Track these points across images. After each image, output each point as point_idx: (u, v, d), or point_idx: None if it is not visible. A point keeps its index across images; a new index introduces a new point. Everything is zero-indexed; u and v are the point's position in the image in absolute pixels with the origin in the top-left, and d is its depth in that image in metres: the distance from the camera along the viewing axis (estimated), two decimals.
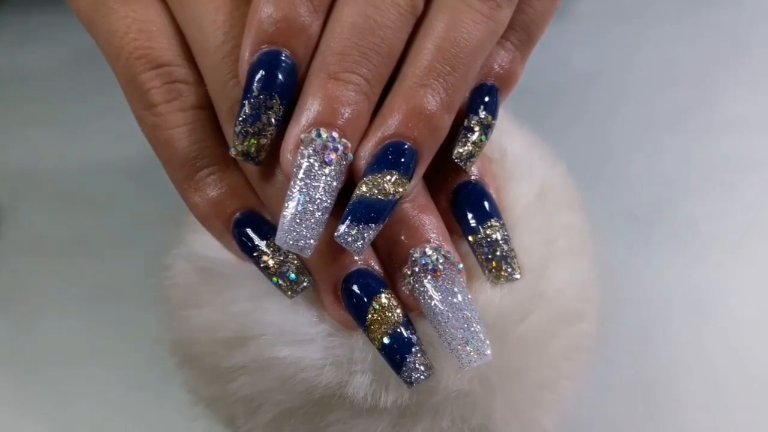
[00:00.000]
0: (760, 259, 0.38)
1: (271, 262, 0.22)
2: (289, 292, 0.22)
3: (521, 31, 0.24)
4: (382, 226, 0.20)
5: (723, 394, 0.32)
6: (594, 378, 0.26)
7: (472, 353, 0.20)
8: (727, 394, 0.32)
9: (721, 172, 0.42)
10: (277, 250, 0.22)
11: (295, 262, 0.22)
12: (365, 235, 0.20)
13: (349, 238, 0.20)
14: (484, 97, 0.23)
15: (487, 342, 0.20)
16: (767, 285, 0.36)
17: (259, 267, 0.22)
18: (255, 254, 0.22)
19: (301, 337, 0.22)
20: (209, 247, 0.24)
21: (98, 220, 0.40)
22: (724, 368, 0.33)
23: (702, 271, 0.37)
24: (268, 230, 0.22)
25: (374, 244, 0.22)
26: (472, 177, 0.24)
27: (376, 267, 0.22)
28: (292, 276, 0.22)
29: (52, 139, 0.44)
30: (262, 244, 0.22)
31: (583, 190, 0.27)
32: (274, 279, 0.22)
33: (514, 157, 0.25)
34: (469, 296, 0.21)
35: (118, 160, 0.43)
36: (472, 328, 0.20)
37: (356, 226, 0.20)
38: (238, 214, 0.23)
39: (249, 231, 0.22)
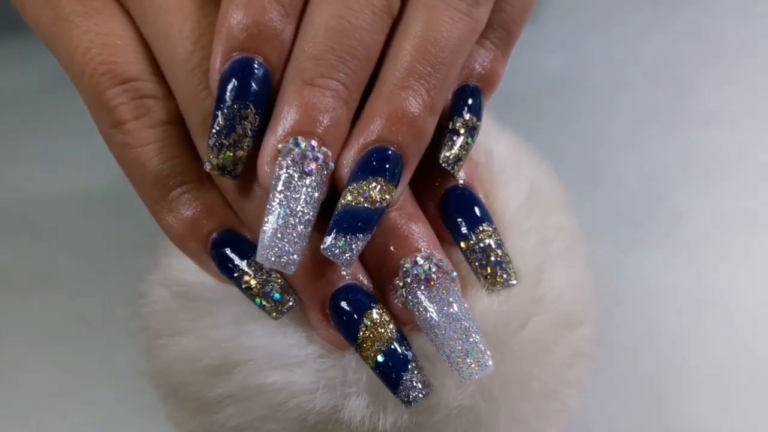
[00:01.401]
0: (747, 250, 0.38)
1: (253, 283, 0.21)
2: (274, 313, 0.21)
3: (500, 30, 0.23)
4: (370, 236, 0.19)
5: (721, 389, 0.32)
6: (595, 383, 0.25)
7: (473, 365, 0.19)
8: (725, 388, 0.32)
9: (704, 167, 0.42)
10: (259, 269, 0.21)
11: (279, 281, 0.21)
12: (353, 246, 0.19)
13: (336, 250, 0.19)
14: (467, 98, 0.23)
15: (488, 352, 0.19)
16: (757, 276, 0.36)
17: (240, 288, 0.21)
18: (236, 275, 0.21)
19: (290, 361, 0.20)
20: (187, 270, 0.22)
21: (65, 251, 0.39)
22: (720, 362, 0.33)
23: (692, 266, 0.37)
24: (248, 249, 0.21)
25: (361, 257, 0.21)
26: (460, 182, 0.23)
27: (365, 281, 0.21)
28: (277, 296, 0.21)
29: (14, 169, 0.43)
30: (242, 264, 0.21)
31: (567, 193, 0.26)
32: (258, 300, 0.21)
33: (500, 160, 0.24)
34: (466, 305, 0.20)
35: (84, 190, 0.42)
36: (471, 339, 0.19)
37: (343, 237, 0.19)
38: (215, 234, 0.22)
39: (228, 251, 0.21)
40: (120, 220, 0.39)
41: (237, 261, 0.21)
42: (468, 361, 0.19)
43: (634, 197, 0.41)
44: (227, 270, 0.21)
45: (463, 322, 0.19)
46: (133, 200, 0.36)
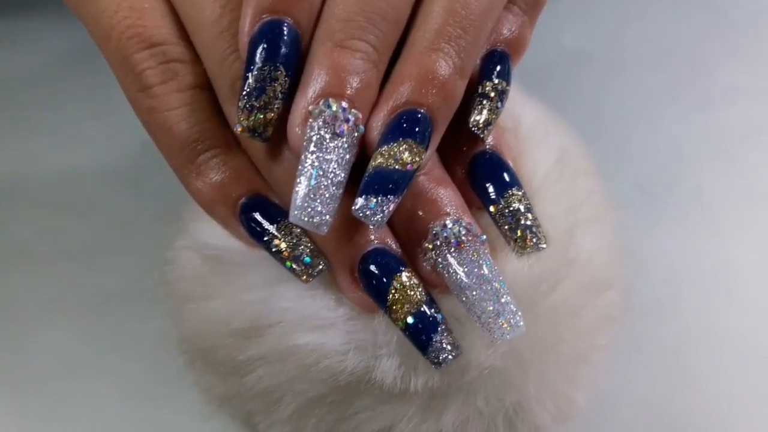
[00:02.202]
0: (766, 224, 0.37)
1: (283, 246, 0.21)
2: (305, 276, 0.21)
3: None
4: (400, 197, 0.19)
5: (741, 360, 0.32)
6: (620, 350, 0.25)
7: (504, 326, 0.19)
8: (745, 359, 0.32)
9: (721, 141, 0.42)
10: (288, 233, 0.21)
11: (309, 244, 0.21)
12: (384, 207, 0.19)
13: (368, 212, 0.19)
14: (496, 62, 0.22)
15: (519, 313, 0.19)
16: None
17: (270, 252, 0.21)
18: (265, 239, 0.21)
19: (320, 323, 0.20)
20: (216, 235, 0.22)
21: (87, 224, 0.39)
22: (739, 333, 0.33)
23: (712, 240, 0.37)
24: (277, 213, 0.21)
25: (389, 222, 0.21)
26: (488, 147, 0.23)
27: (393, 245, 0.21)
28: (307, 259, 0.21)
29: (36, 144, 0.43)
30: (272, 228, 0.21)
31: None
32: (288, 263, 0.21)
33: (528, 126, 0.24)
34: (496, 267, 0.20)
35: (103, 163, 0.42)
36: (503, 300, 0.19)
37: (374, 198, 0.19)
38: (244, 199, 0.22)
39: (257, 215, 0.21)
40: (140, 194, 0.39)
41: (266, 225, 0.21)
42: (500, 321, 0.19)
43: (654, 172, 0.40)
44: (257, 234, 0.21)
45: (494, 284, 0.19)
46: (153, 174, 0.36)
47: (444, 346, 0.20)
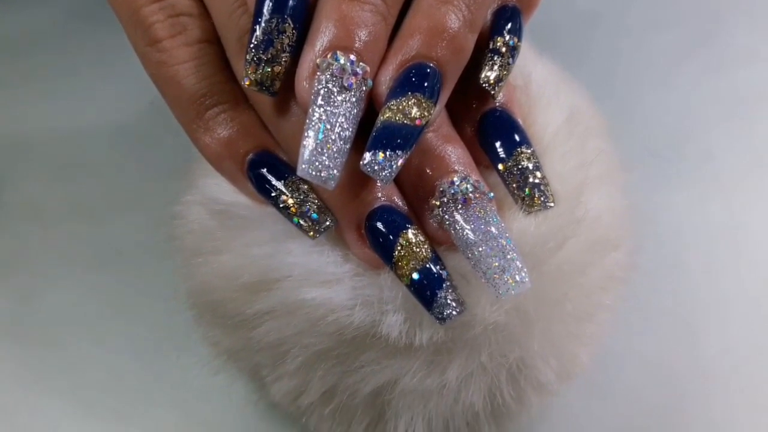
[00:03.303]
0: None
1: (290, 202, 0.21)
2: (312, 233, 0.21)
3: None
4: (409, 152, 0.19)
5: (747, 323, 0.32)
6: (624, 311, 0.25)
7: (509, 281, 0.19)
8: (751, 322, 0.32)
9: (734, 105, 0.41)
10: (296, 189, 0.21)
11: (316, 201, 0.21)
12: (392, 162, 0.19)
13: (376, 167, 0.19)
14: (507, 18, 0.22)
15: (525, 269, 0.19)
16: None
17: (278, 208, 0.21)
18: (273, 195, 0.21)
19: (328, 278, 0.21)
20: (224, 190, 0.22)
21: (96, 182, 0.39)
22: (746, 295, 0.33)
23: (722, 202, 0.36)
24: (284, 169, 0.21)
25: (396, 179, 0.21)
26: (498, 104, 0.22)
27: (400, 203, 0.21)
28: (314, 215, 0.21)
29: (44, 104, 0.43)
30: (279, 184, 0.21)
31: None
32: (295, 219, 0.21)
33: (538, 84, 0.24)
34: (503, 225, 0.20)
35: (112, 121, 0.42)
36: (509, 256, 0.19)
37: (383, 152, 0.19)
38: (251, 155, 0.22)
39: (265, 171, 0.21)
40: (148, 151, 0.39)
41: (274, 181, 0.21)
42: (505, 277, 0.19)
43: (665, 134, 0.40)
44: (264, 190, 0.21)
45: (500, 240, 0.19)
46: (160, 131, 0.36)
47: (448, 302, 0.20)
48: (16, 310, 0.34)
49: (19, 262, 0.36)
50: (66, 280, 0.35)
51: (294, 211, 0.21)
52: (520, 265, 0.19)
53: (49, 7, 0.48)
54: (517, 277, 0.19)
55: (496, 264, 0.19)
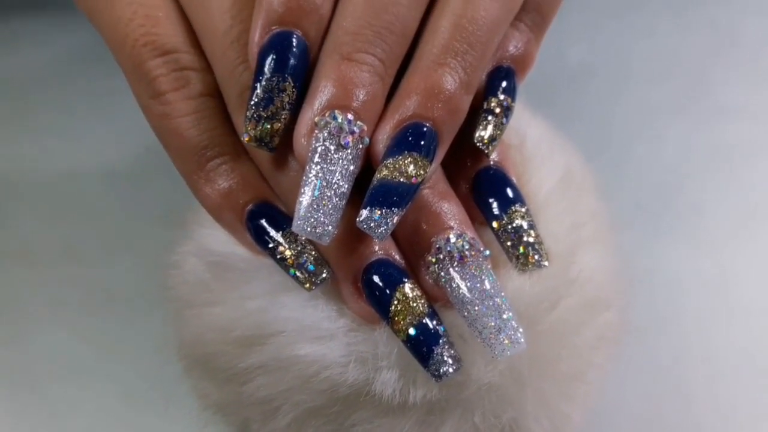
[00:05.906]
0: (766, 241, 0.37)
1: (288, 253, 0.21)
2: (308, 284, 0.21)
3: (534, 13, 0.24)
4: (404, 210, 0.19)
5: (740, 378, 0.32)
6: (617, 368, 0.25)
7: (505, 341, 0.19)
8: (744, 377, 0.32)
9: (723, 159, 0.42)
10: (293, 240, 0.21)
11: (313, 252, 0.21)
12: (388, 219, 0.19)
13: (372, 224, 0.19)
14: (501, 79, 0.23)
15: (521, 330, 0.19)
16: None
17: (275, 259, 0.21)
18: (270, 246, 0.21)
19: (321, 334, 0.21)
20: (220, 241, 0.23)
21: (88, 226, 0.39)
22: (738, 352, 0.33)
23: (711, 256, 0.37)
24: (282, 221, 0.21)
25: (393, 235, 0.21)
26: (492, 162, 0.23)
27: (397, 257, 0.21)
28: (311, 267, 0.21)
29: (40, 145, 0.43)
30: (277, 235, 0.21)
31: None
32: (292, 270, 0.21)
33: (533, 143, 0.24)
34: (498, 283, 0.20)
35: (107, 165, 0.42)
36: (504, 316, 0.19)
37: (379, 210, 0.19)
38: (251, 206, 0.22)
39: (263, 222, 0.21)
40: (142, 197, 0.39)
41: (272, 232, 0.21)
42: (501, 337, 0.19)
43: (654, 188, 0.40)
44: (262, 241, 0.21)
45: (495, 299, 0.19)
46: (155, 176, 0.36)
47: (445, 359, 0.20)
48: (2, 354, 0.33)
49: (7, 304, 0.35)
50: (55, 324, 0.34)
51: (291, 262, 0.21)
52: (515, 325, 0.19)
53: (47, 49, 0.49)
54: (513, 338, 0.19)
55: (492, 324, 0.19)
